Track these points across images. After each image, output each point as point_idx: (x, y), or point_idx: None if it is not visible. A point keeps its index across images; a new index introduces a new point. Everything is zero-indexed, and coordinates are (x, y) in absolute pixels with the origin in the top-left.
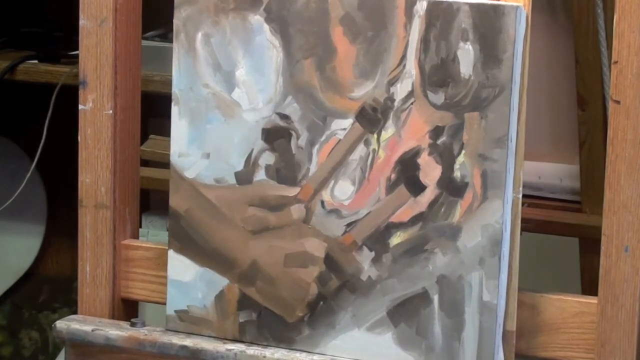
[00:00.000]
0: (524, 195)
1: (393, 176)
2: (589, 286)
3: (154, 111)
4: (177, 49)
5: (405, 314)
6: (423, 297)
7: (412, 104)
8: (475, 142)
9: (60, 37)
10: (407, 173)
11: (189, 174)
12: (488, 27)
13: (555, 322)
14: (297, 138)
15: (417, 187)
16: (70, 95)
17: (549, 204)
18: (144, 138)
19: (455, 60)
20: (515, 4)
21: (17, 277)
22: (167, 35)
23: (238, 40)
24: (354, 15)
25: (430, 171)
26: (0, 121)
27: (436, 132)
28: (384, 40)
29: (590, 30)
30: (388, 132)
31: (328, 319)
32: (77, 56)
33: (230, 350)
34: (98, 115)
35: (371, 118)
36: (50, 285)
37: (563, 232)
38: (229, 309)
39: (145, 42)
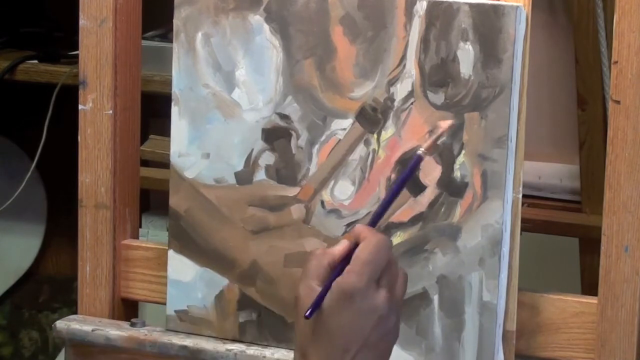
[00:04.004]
0: (524, 195)
1: (393, 176)
2: (589, 286)
3: (154, 111)
4: (177, 49)
5: (405, 314)
6: (423, 297)
7: (412, 104)
8: (475, 142)
9: (60, 37)
10: None
11: (189, 174)
12: (488, 27)
13: (555, 322)
14: (297, 138)
15: (417, 187)
16: (70, 95)
17: (549, 204)
18: (144, 138)
19: (455, 60)
20: (515, 4)
21: (17, 277)
22: (167, 35)
23: (238, 40)
24: (354, 15)
25: (430, 171)
26: (0, 121)
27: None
28: (384, 40)
29: (590, 30)
30: (388, 132)
31: None
32: (77, 56)
33: (230, 350)
34: (98, 115)
35: (371, 118)
36: (50, 285)
37: (563, 232)
38: (229, 309)
39: (145, 42)
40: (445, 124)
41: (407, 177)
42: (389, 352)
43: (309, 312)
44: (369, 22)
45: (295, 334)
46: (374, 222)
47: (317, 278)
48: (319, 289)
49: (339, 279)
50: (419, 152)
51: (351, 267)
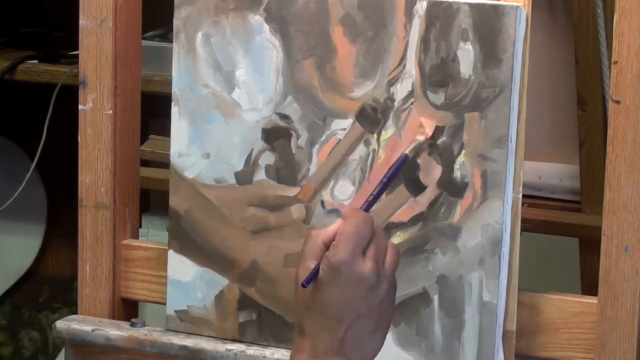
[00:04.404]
0: (524, 195)
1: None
2: (589, 286)
3: (154, 111)
4: (177, 49)
5: (405, 314)
6: (423, 297)
7: (412, 104)
8: (475, 142)
9: (60, 37)
10: (407, 173)
11: (189, 174)
12: (488, 27)
13: (555, 322)
14: (297, 138)
15: (417, 187)
16: (70, 95)
17: (549, 204)
18: (144, 138)
19: (455, 60)
20: (515, 4)
21: (17, 277)
22: (167, 35)
23: (238, 40)
24: (354, 15)
25: (430, 171)
26: (0, 121)
27: (436, 132)
28: (384, 40)
29: (590, 30)
30: (388, 132)
31: None
32: (77, 56)
33: (230, 350)
34: (98, 115)
35: (371, 118)
36: (50, 285)
37: (563, 232)
38: (229, 309)
39: (145, 42)
40: (430, 129)
41: (395, 172)
42: (386, 322)
43: (306, 281)
44: (369, 22)
45: (296, 309)
46: (366, 209)
47: (314, 257)
48: (313, 267)
49: (326, 254)
50: (407, 152)
51: (336, 241)
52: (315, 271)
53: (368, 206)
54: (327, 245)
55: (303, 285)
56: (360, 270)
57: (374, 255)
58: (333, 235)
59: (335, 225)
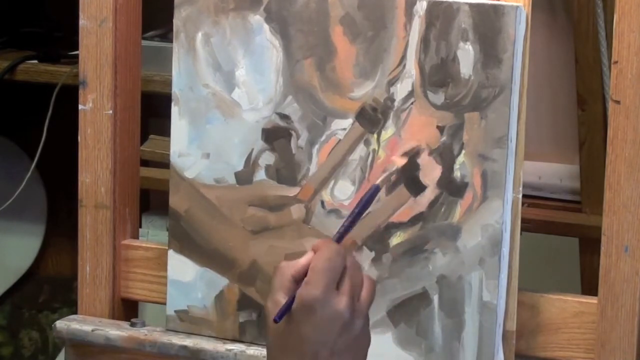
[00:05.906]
0: (524, 195)
1: (393, 176)
2: (589, 286)
3: (154, 111)
4: (177, 49)
5: (405, 314)
6: (423, 297)
7: (412, 104)
8: (475, 142)
9: (60, 37)
10: (407, 173)
11: (189, 174)
12: (488, 27)
13: (555, 322)
14: (297, 138)
15: (417, 187)
16: (70, 95)
17: (549, 204)
18: (144, 138)
19: (455, 60)
20: (515, 4)
21: (17, 277)
22: (167, 35)
23: (238, 40)
24: (353, 15)
25: (430, 171)
26: (0, 121)
27: (434, 135)
28: (383, 40)
29: (590, 30)
30: (388, 132)
31: None
32: (77, 56)
33: (230, 350)
34: (98, 115)
35: (371, 118)
36: (50, 285)
37: (563, 232)
38: (229, 309)
39: (145, 42)
40: (400, 161)
41: (365, 205)
42: (363, 357)
43: (278, 316)
44: (369, 22)
45: (267, 347)
46: (338, 240)
47: (282, 290)
48: (284, 301)
49: (298, 291)
50: (377, 182)
51: (307, 278)
52: (287, 306)
53: (340, 237)
54: (296, 279)
55: (275, 321)
56: (334, 306)
57: (348, 290)
58: (302, 268)
59: (305, 258)
